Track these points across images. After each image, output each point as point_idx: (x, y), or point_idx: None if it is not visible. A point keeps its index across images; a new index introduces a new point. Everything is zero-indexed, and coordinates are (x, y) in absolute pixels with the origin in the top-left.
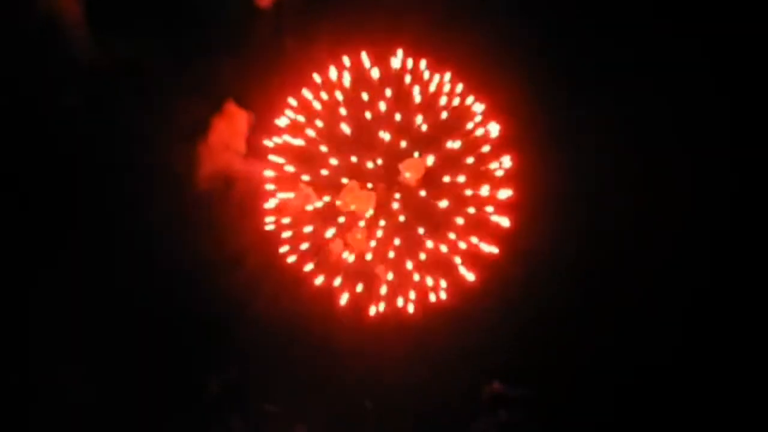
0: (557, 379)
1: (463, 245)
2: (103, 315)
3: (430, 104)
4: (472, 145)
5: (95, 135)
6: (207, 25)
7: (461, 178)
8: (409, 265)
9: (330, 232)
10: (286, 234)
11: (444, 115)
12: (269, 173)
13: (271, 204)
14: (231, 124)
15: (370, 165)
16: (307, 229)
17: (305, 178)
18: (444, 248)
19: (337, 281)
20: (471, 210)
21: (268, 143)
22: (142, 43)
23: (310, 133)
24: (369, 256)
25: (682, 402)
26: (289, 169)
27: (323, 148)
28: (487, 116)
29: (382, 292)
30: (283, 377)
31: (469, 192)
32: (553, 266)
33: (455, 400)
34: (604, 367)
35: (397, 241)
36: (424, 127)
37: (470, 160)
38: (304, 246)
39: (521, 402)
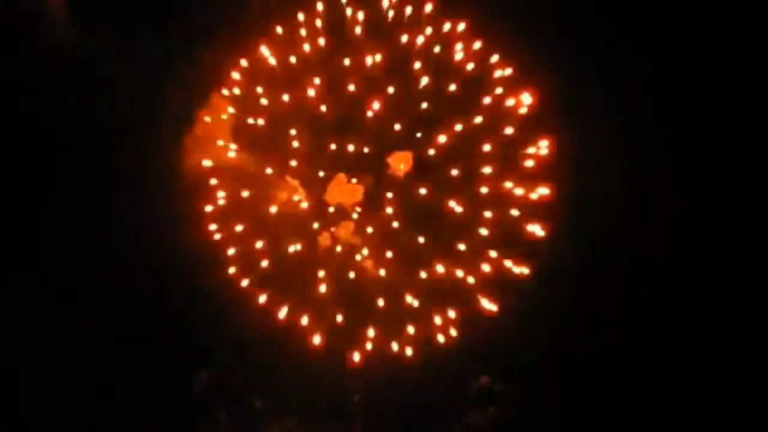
0: (548, 375)
1: (486, 267)
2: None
3: (436, 67)
4: (493, 123)
5: (75, 127)
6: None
7: (487, 170)
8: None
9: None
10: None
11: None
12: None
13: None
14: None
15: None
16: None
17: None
18: (459, 272)
19: (305, 320)
20: (488, 214)
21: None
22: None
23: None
24: (351, 275)
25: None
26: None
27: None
28: (514, 85)
29: (370, 333)
30: (270, 372)
31: (484, 189)
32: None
33: (444, 394)
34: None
35: (389, 253)
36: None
37: (486, 147)
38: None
39: (510, 397)
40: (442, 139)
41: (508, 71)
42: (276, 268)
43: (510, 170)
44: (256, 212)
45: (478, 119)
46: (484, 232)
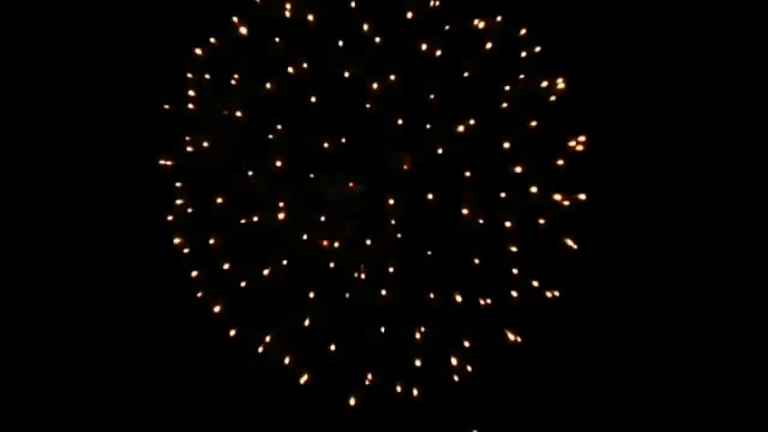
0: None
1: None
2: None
3: (447, 47)
4: (518, 114)
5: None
6: None
7: (518, 169)
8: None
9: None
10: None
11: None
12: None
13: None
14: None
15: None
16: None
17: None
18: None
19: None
20: (507, 223)
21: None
22: None
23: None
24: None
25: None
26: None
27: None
28: (544, 67)
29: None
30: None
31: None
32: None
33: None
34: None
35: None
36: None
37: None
38: None
39: None
40: (454, 132)
41: (537, 49)
42: (255, 289)
43: (537, 171)
44: (231, 221)
45: (501, 108)
46: (506, 246)
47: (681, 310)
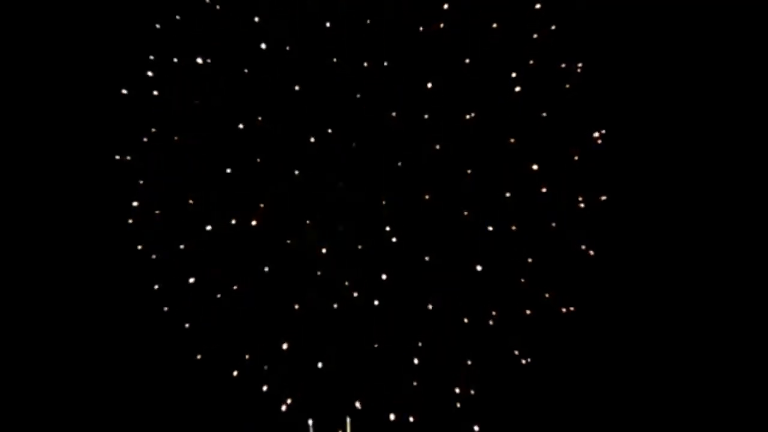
0: None
1: (518, 303)
2: None
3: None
4: (527, 103)
5: None
6: None
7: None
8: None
9: None
10: None
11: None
12: None
13: None
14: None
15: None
16: None
17: None
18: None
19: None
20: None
21: None
22: None
23: None
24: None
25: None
26: None
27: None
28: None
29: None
30: None
31: (508, 193)
32: None
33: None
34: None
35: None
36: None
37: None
38: None
39: None
40: (454, 124)
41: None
42: (228, 301)
43: (548, 168)
44: (201, 225)
45: (508, 96)
46: (512, 251)
47: (718, 335)
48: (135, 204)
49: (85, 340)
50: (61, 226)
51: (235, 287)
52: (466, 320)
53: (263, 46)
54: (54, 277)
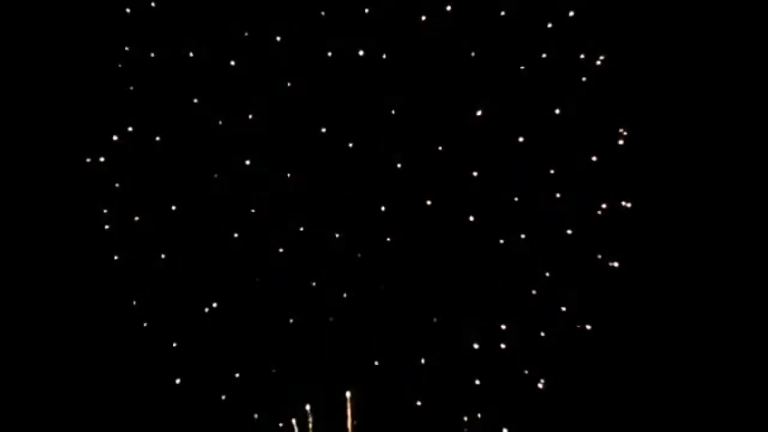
0: None
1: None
2: None
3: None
4: (541, 98)
5: None
6: None
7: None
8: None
9: None
10: None
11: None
12: None
13: None
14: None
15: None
16: None
17: None
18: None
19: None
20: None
21: None
22: None
23: None
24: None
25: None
26: None
27: None
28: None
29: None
30: None
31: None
32: None
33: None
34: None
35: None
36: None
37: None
38: None
39: None
40: (458, 122)
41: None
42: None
43: (563, 170)
44: (188, 230)
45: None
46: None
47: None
48: (105, 211)
49: (57, 357)
50: (30, 235)
51: (221, 301)
52: (474, 340)
53: (246, 34)
54: (24, 291)
